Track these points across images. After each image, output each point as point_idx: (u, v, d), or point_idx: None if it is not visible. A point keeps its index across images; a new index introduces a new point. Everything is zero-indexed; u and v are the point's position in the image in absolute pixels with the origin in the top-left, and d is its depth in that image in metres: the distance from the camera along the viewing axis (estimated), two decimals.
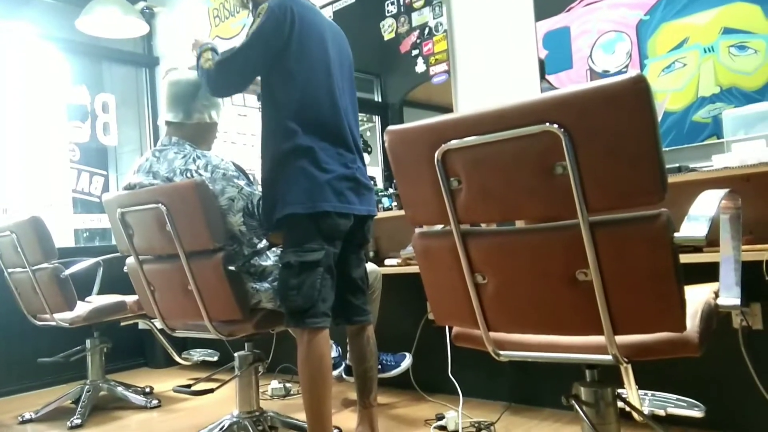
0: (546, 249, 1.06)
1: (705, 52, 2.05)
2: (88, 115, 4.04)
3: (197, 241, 1.74)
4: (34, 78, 3.85)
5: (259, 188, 1.88)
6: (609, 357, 1.07)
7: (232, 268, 1.76)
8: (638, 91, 0.91)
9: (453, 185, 1.11)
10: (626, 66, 2.23)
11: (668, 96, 2.13)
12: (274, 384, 2.87)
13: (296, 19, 1.71)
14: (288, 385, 2.89)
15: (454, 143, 1.08)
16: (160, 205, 1.73)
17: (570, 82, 2.36)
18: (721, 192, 1.12)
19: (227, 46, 3.65)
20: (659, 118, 2.14)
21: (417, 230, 1.26)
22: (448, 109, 2.73)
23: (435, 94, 2.76)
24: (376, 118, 3.11)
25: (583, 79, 2.33)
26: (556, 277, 1.05)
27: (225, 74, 1.76)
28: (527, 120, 1.00)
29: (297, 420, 2.17)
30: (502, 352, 1.21)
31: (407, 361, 2.53)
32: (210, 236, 1.73)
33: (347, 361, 2.51)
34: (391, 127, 1.19)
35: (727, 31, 2.00)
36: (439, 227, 1.22)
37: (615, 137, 0.95)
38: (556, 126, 0.97)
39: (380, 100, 3.05)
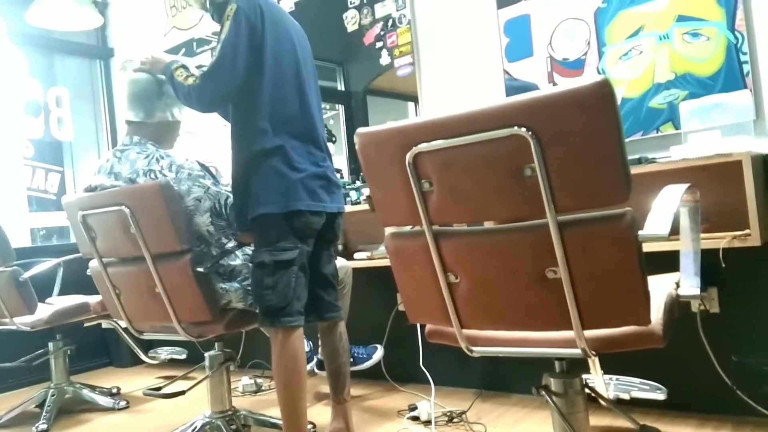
0: (516, 248, 1.09)
1: (660, 39, 2.10)
2: (41, 110, 3.89)
3: (163, 243, 1.71)
4: None
5: (227, 187, 1.86)
6: (578, 351, 1.11)
7: (200, 269, 1.74)
8: (603, 95, 0.94)
9: (424, 187, 1.12)
10: (585, 53, 2.27)
11: (626, 83, 2.18)
12: (245, 380, 2.86)
13: (266, 17, 1.69)
14: (259, 380, 2.88)
15: (424, 146, 1.08)
16: (123, 207, 1.69)
17: (531, 70, 2.39)
18: (682, 188, 1.17)
19: (185, 38, 3.60)
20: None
21: (389, 230, 1.27)
22: (412, 98, 2.73)
23: (399, 83, 2.76)
24: (340, 107, 3.09)
25: (543, 67, 2.36)
26: (526, 276, 1.08)
27: (216, 85, 1.68)
28: (496, 123, 1.01)
29: (270, 417, 2.17)
30: (474, 349, 1.23)
31: (379, 353, 2.56)
32: (176, 238, 1.70)
33: (318, 355, 2.52)
34: (361, 130, 1.19)
35: (681, 18, 2.06)
36: (411, 227, 1.23)
37: (581, 140, 0.97)
38: (524, 129, 0.98)
39: (343, 88, 3.03)
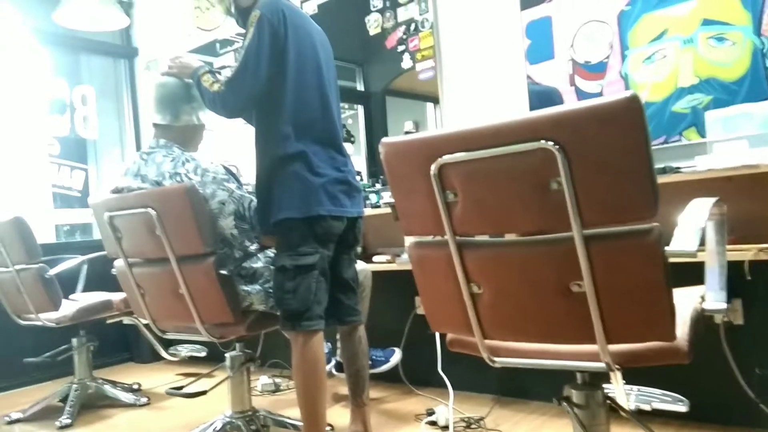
0: (541, 261, 1.08)
1: (684, 43, 2.08)
2: (66, 108, 3.96)
3: (188, 245, 1.74)
4: (11, 69, 3.75)
5: (250, 187, 1.89)
6: (601, 364, 1.11)
7: (223, 272, 1.76)
8: (632, 111, 0.93)
9: (449, 198, 1.12)
10: (607, 56, 2.26)
11: (649, 86, 2.16)
12: (264, 380, 2.89)
13: (288, 23, 1.71)
14: (278, 380, 2.90)
15: (450, 158, 1.09)
16: (149, 209, 1.72)
17: (552, 73, 2.38)
18: (710, 201, 1.16)
19: (209, 39, 3.63)
20: None
21: (412, 239, 1.27)
22: (432, 98, 2.73)
23: (418, 83, 2.76)
24: (359, 107, 3.10)
25: (565, 70, 2.35)
26: (550, 288, 1.08)
27: (239, 92, 1.70)
28: (523, 137, 1.01)
29: (289, 419, 2.19)
30: (496, 359, 1.23)
31: (397, 357, 2.57)
32: (201, 240, 1.72)
33: (337, 357, 2.53)
34: (386, 140, 1.19)
35: (706, 22, 2.04)
36: (433, 237, 1.23)
37: (609, 155, 0.97)
38: (551, 143, 0.98)
39: (363, 89, 3.04)
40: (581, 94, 2.32)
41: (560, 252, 1.04)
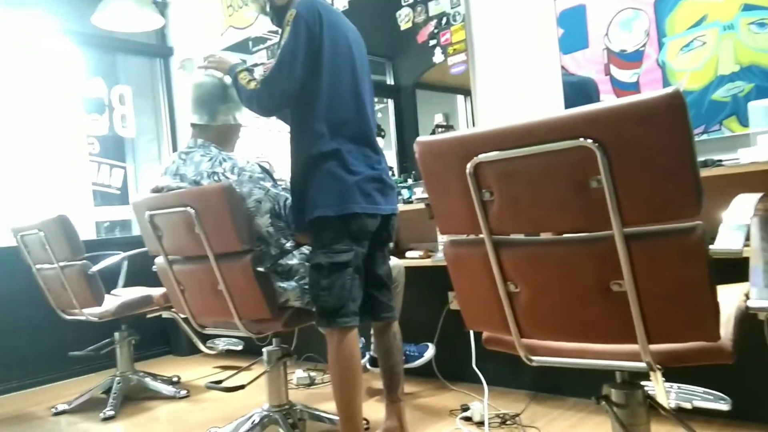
0: (580, 260, 1.07)
1: (724, 29, 2.02)
2: (105, 108, 4.06)
3: (226, 243, 1.77)
4: (49, 70, 3.87)
5: (285, 184, 1.91)
6: (642, 364, 1.09)
7: (260, 269, 1.79)
8: (674, 108, 0.91)
9: (485, 197, 1.12)
10: (644, 45, 2.21)
11: (687, 75, 2.11)
12: (299, 373, 2.93)
13: (324, 22, 1.72)
14: (312, 374, 2.94)
15: (485, 156, 1.08)
16: (188, 208, 1.75)
17: (586, 62, 2.34)
18: (755, 197, 1.13)
19: (241, 37, 3.67)
20: None
21: (448, 238, 1.27)
22: (462, 91, 2.71)
23: (448, 76, 2.75)
24: (388, 101, 3.10)
25: (599, 59, 2.31)
26: (589, 288, 1.07)
27: (274, 90, 1.72)
28: (561, 134, 1.00)
29: (325, 413, 2.22)
30: (534, 358, 1.23)
31: (430, 352, 2.57)
32: (238, 238, 1.75)
33: (371, 352, 2.55)
34: (420, 139, 1.20)
35: (747, 7, 1.97)
36: (470, 236, 1.23)
37: (650, 152, 0.95)
38: (590, 141, 0.97)
39: (392, 83, 3.04)
40: (616, 84, 2.28)
41: (600, 251, 1.03)
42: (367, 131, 1.82)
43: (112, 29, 3.63)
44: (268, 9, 1.88)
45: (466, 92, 2.70)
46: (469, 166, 1.10)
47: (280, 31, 1.77)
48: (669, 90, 0.91)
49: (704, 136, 2.07)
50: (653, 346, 1.07)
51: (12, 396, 3.27)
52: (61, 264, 2.62)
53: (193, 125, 1.97)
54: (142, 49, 4.26)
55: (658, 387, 1.41)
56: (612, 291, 1.04)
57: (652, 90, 2.22)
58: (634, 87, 2.24)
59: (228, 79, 1.93)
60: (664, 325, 1.03)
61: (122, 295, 2.90)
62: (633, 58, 2.23)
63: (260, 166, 1.90)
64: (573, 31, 2.36)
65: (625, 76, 2.26)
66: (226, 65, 1.90)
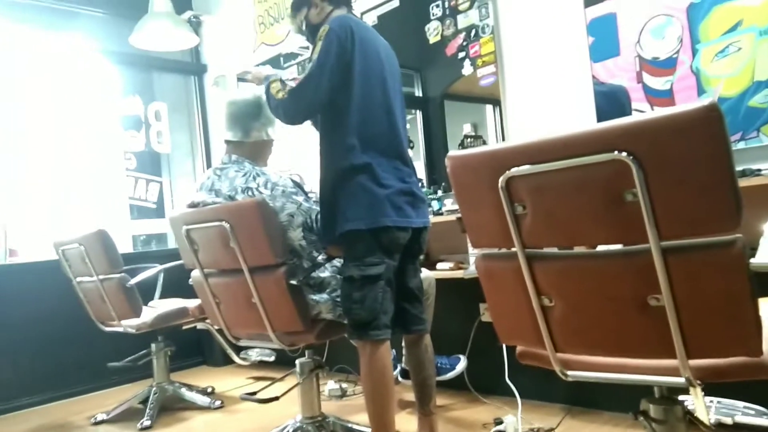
0: (616, 274, 1.06)
1: (761, 34, 1.98)
2: (142, 124, 4.18)
3: (260, 256, 1.80)
4: (88, 89, 4.01)
5: (314, 197, 1.94)
6: (681, 380, 1.07)
7: (293, 282, 1.82)
8: (711, 120, 0.90)
9: (517, 210, 1.12)
10: (677, 51, 2.18)
11: (722, 81, 2.07)
12: (331, 384, 2.94)
13: (356, 37, 1.75)
14: (344, 385, 2.95)
15: (517, 170, 1.08)
16: (223, 222, 1.79)
17: (618, 70, 2.32)
18: None
19: (273, 53, 3.75)
20: None
21: (480, 252, 1.27)
22: (491, 100, 2.71)
23: (476, 86, 2.75)
24: (417, 112, 3.11)
25: (631, 66, 2.28)
26: (626, 302, 1.06)
27: (299, 101, 1.77)
28: (595, 148, 1.00)
29: (357, 425, 2.22)
30: (569, 373, 1.21)
31: (462, 364, 2.56)
32: (272, 252, 1.78)
33: (403, 364, 2.55)
34: (452, 153, 1.20)
35: None
36: (502, 249, 1.23)
37: (687, 165, 0.94)
38: (625, 154, 0.96)
39: (421, 94, 3.05)
40: (649, 92, 2.25)
41: (637, 265, 1.02)
42: (398, 144, 1.83)
43: (149, 49, 3.74)
44: (304, 28, 1.94)
45: (495, 102, 2.70)
46: (501, 180, 1.10)
47: (311, 46, 1.81)
48: (705, 102, 0.90)
49: (741, 144, 2.02)
50: (693, 362, 1.05)
51: (53, 405, 3.36)
52: (101, 277, 2.69)
53: (227, 141, 2.01)
54: (177, 67, 4.38)
55: (698, 402, 1.38)
56: (649, 305, 1.03)
57: (686, 97, 2.20)
58: (668, 94, 2.20)
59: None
60: (703, 340, 1.01)
61: (159, 306, 2.96)
62: (666, 65, 2.20)
63: (292, 181, 1.93)
64: (604, 39, 2.34)
65: (657, 83, 2.23)
66: (261, 76, 1.95)
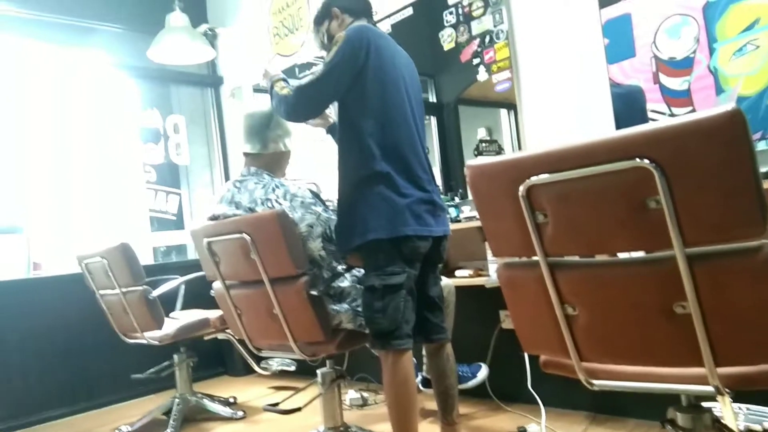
0: (641, 281, 1.05)
1: None
2: (160, 137, 4.24)
3: (280, 267, 1.81)
4: (107, 104, 4.08)
5: (331, 205, 1.95)
6: (710, 388, 1.06)
7: (314, 292, 1.82)
8: (735, 125, 0.89)
9: (539, 219, 1.12)
10: (694, 51, 2.15)
11: (741, 80, 2.04)
12: (352, 393, 2.94)
13: (372, 45, 1.77)
14: (365, 394, 2.95)
15: (538, 179, 1.08)
16: (244, 234, 1.81)
17: (634, 71, 2.30)
18: None
19: (288, 63, 3.78)
20: (732, 105, 2.06)
21: (501, 260, 1.27)
22: (505, 105, 2.70)
23: (490, 91, 2.74)
24: (431, 118, 3.11)
25: (647, 67, 2.26)
26: (651, 310, 1.05)
27: (302, 99, 1.81)
28: (616, 155, 0.99)
29: None
30: (595, 382, 1.20)
31: (483, 372, 2.54)
32: (292, 263, 1.79)
33: (423, 373, 2.54)
34: (471, 162, 1.20)
35: None
36: (524, 258, 1.23)
37: (711, 171, 0.93)
38: (647, 161, 0.96)
39: (435, 100, 3.05)
40: (666, 92, 2.23)
41: (661, 272, 1.01)
42: (417, 152, 1.84)
43: (166, 63, 3.79)
44: (326, 41, 1.96)
45: (509, 106, 2.69)
46: (521, 188, 1.10)
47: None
48: (728, 108, 0.89)
49: (762, 144, 1.99)
50: (721, 369, 1.04)
51: (78, 417, 3.40)
52: (123, 290, 2.72)
53: (246, 154, 2.03)
54: (194, 80, 4.44)
55: (726, 410, 1.36)
56: (675, 313, 1.02)
57: (705, 97, 2.18)
58: (685, 94, 2.18)
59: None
60: (732, 348, 1.00)
61: (180, 318, 2.99)
62: (683, 66, 2.18)
63: (310, 191, 1.94)
64: (619, 40, 2.33)
65: (675, 83, 2.21)
66: (267, 75, 1.98)
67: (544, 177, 1.07)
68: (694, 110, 2.17)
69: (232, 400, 3.27)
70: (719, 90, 2.10)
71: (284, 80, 1.91)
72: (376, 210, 1.74)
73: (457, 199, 2.87)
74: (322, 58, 3.62)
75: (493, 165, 1.17)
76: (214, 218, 1.98)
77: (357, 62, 1.76)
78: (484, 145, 2.89)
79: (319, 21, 2.00)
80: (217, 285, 2.05)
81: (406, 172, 1.78)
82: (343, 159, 1.87)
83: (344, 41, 1.75)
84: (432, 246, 1.84)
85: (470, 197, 2.83)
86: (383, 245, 1.74)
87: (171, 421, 2.81)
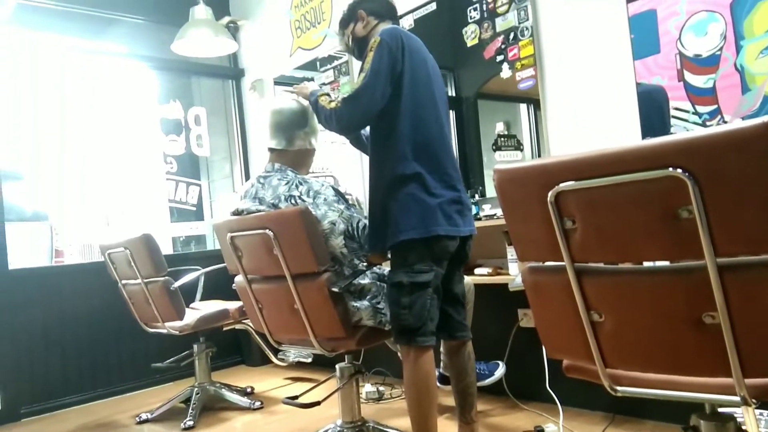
0: (670, 290, 1.05)
1: None
2: (182, 129, 4.27)
3: (302, 264, 1.83)
4: (130, 96, 4.12)
5: (352, 198, 1.96)
6: (736, 398, 1.05)
7: (335, 289, 1.84)
8: None
9: (567, 225, 1.11)
10: (720, 48, 2.12)
11: (767, 79, 2.01)
12: (368, 387, 2.96)
13: (406, 47, 1.78)
14: (381, 388, 2.97)
15: (567, 185, 1.08)
16: (267, 230, 1.82)
17: (658, 68, 2.27)
18: None
19: (309, 57, 3.78)
20: (758, 104, 2.03)
21: (528, 264, 1.27)
22: (525, 100, 2.69)
23: (510, 85, 2.73)
24: (451, 112, 3.10)
25: (672, 64, 2.23)
26: (679, 319, 1.04)
27: (352, 111, 1.78)
28: (648, 164, 0.98)
29: (396, 430, 2.23)
30: (619, 388, 1.20)
31: (501, 370, 2.54)
32: (314, 259, 1.80)
33: (441, 370, 2.55)
34: (499, 167, 1.20)
35: None
36: (550, 263, 1.22)
37: (746, 183, 0.92)
38: (680, 171, 0.95)
39: (454, 94, 3.04)
40: (691, 90, 2.20)
41: (691, 282, 1.01)
42: (448, 152, 1.86)
43: (190, 55, 3.82)
44: (351, 43, 1.96)
45: (529, 100, 2.67)
46: (550, 194, 1.10)
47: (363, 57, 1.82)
48: (765, 118, 0.88)
49: None
50: (749, 380, 1.03)
51: (99, 404, 3.47)
52: (145, 280, 2.76)
53: (271, 150, 2.05)
54: (216, 72, 4.46)
55: (749, 420, 1.35)
56: (704, 323, 1.01)
57: (730, 95, 2.15)
58: (710, 93, 2.15)
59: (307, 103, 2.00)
60: (761, 359, 0.99)
61: (200, 308, 3.03)
62: (708, 63, 2.15)
63: (333, 189, 1.96)
64: (643, 36, 2.30)
65: (699, 81, 2.18)
66: (307, 90, 1.98)
67: (573, 183, 1.07)
68: (718, 108, 2.14)
69: (249, 390, 3.31)
70: (745, 89, 2.06)
71: (327, 94, 1.91)
72: (407, 210, 1.76)
73: (477, 197, 2.86)
74: (342, 53, 3.63)
75: (522, 170, 1.17)
76: (237, 213, 2.00)
77: (396, 66, 1.77)
78: (502, 139, 2.88)
79: (344, 23, 2.00)
80: (239, 279, 2.07)
81: (438, 171, 1.79)
82: (376, 160, 1.88)
83: (381, 46, 1.76)
84: (459, 244, 1.85)
85: (488, 195, 2.83)
86: (415, 245, 1.76)
87: (190, 410, 2.86)
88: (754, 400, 1.05)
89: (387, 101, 1.77)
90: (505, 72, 2.74)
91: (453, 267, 1.91)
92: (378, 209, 1.83)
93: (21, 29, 3.67)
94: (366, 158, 2.06)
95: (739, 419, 1.36)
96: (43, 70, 3.80)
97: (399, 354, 2.69)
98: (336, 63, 3.62)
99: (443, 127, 1.86)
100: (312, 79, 3.74)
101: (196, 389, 3.00)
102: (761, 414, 1.84)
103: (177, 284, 2.76)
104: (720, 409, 1.25)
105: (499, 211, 2.54)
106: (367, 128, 2.10)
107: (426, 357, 1.77)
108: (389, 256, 1.89)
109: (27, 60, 3.72)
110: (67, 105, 3.90)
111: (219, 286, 3.18)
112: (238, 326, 3.55)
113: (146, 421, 2.96)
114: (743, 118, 2.08)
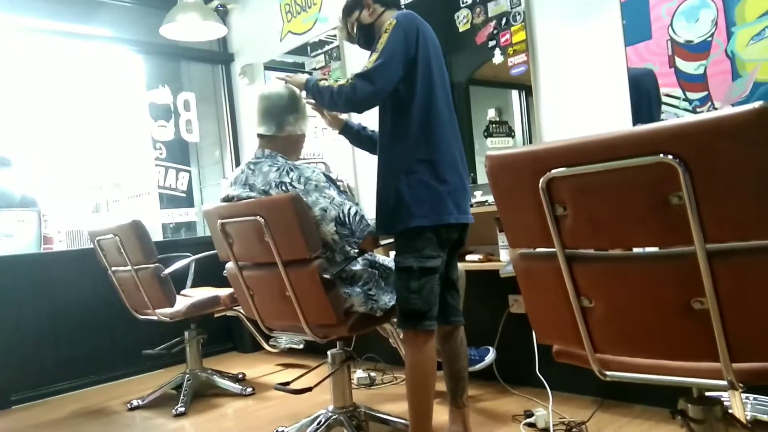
0: (659, 276, 1.05)
1: None
2: (171, 114, 4.23)
3: (294, 250, 1.82)
4: (118, 81, 4.07)
5: (343, 184, 1.95)
6: (724, 382, 1.06)
7: (326, 275, 1.83)
8: (763, 123, 0.88)
9: (558, 212, 1.11)
10: (711, 35, 2.12)
11: (758, 65, 2.01)
12: (359, 373, 2.97)
13: (420, 33, 1.78)
14: (373, 374, 2.98)
15: (559, 171, 1.08)
16: (258, 217, 1.81)
17: (649, 54, 2.27)
18: None
19: (300, 42, 3.74)
20: (748, 90, 2.04)
21: (519, 251, 1.27)
22: (516, 86, 2.68)
23: (502, 71, 2.72)
24: None
25: (663, 50, 2.23)
26: (669, 305, 1.05)
27: (365, 88, 1.73)
28: (640, 150, 0.98)
29: (388, 415, 2.25)
30: (608, 373, 1.21)
31: (491, 356, 2.56)
32: (306, 246, 1.80)
33: None
34: (491, 153, 1.20)
35: None
36: (541, 249, 1.23)
37: (737, 169, 0.92)
38: (671, 157, 0.95)
39: None
40: (682, 76, 2.20)
41: (680, 268, 1.01)
42: (458, 138, 1.88)
43: (178, 39, 3.77)
44: (355, 32, 1.94)
45: (521, 86, 2.67)
46: (542, 181, 1.10)
47: (336, 37, 1.81)
48: (756, 105, 0.88)
49: None
50: (736, 365, 1.04)
51: (90, 390, 3.47)
52: (135, 267, 2.75)
53: (261, 136, 2.02)
54: (205, 56, 4.41)
55: (735, 404, 1.37)
56: (693, 309, 1.02)
57: (721, 81, 2.15)
58: (701, 79, 2.16)
59: (303, 93, 1.99)
60: (748, 345, 1.00)
61: (191, 295, 3.02)
62: (699, 49, 2.15)
63: (324, 175, 1.94)
64: (635, 22, 2.29)
65: (690, 67, 2.18)
66: (301, 78, 1.96)
67: (564, 170, 1.07)
68: (709, 95, 2.14)
69: (241, 376, 3.32)
70: (735, 75, 2.07)
71: (325, 79, 1.90)
72: (418, 197, 1.76)
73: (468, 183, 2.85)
74: (333, 37, 3.59)
75: (514, 156, 1.17)
76: (227, 200, 1.98)
77: (410, 50, 1.76)
78: (494, 126, 2.87)
79: (349, 11, 1.96)
80: (230, 266, 2.06)
81: (447, 158, 1.80)
82: (385, 146, 1.87)
83: (397, 27, 1.75)
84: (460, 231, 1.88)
85: (480, 182, 2.83)
86: (425, 232, 1.77)
87: (181, 397, 2.86)
88: (740, 385, 1.07)
89: (399, 84, 1.76)
90: (497, 57, 2.73)
91: (451, 253, 1.93)
92: (391, 193, 1.82)
93: (5, 15, 3.60)
94: (358, 149, 2.04)
95: (726, 403, 1.37)
96: (31, 55, 3.73)
97: (391, 341, 2.71)
98: (327, 48, 3.59)
99: (453, 114, 1.87)
100: (303, 65, 3.71)
101: (187, 376, 3.00)
102: (747, 398, 1.87)
103: (167, 271, 2.74)
104: (707, 393, 1.27)
105: (490, 198, 2.54)
106: (371, 127, 2.10)
107: (432, 341, 1.80)
108: (381, 243, 1.89)
109: (13, 46, 3.66)
110: (56, 91, 3.84)
111: (210, 273, 3.17)
112: (229, 313, 3.53)
113: (138, 407, 2.97)
114: (733, 105, 2.08)
